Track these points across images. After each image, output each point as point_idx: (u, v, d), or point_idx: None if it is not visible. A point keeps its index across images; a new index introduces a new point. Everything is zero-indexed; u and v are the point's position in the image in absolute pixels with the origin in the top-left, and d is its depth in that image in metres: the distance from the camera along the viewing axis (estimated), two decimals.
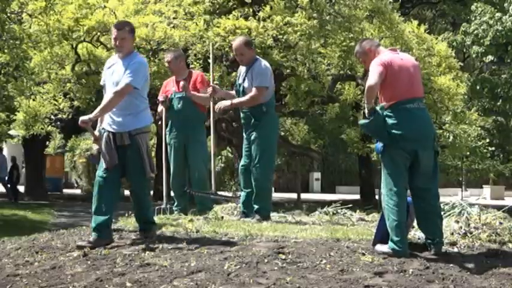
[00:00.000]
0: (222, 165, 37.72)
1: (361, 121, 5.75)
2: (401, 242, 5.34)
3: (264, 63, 7.41)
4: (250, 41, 7.71)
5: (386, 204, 5.45)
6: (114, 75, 5.95)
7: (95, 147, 6.26)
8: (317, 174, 43.65)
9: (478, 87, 29.21)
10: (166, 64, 8.41)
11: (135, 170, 5.93)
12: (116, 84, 5.86)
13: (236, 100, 7.45)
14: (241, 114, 7.57)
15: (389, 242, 5.36)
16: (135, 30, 6.30)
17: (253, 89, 7.25)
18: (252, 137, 7.37)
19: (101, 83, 6.28)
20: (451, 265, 5.05)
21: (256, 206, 7.37)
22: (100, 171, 5.97)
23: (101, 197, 5.94)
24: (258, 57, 7.53)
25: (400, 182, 5.48)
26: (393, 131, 5.46)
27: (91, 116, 5.78)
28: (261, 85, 7.24)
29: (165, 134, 8.27)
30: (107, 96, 5.87)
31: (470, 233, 6.03)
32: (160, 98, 8.24)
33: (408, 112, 5.51)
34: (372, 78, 5.46)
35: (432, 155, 5.63)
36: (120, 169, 5.94)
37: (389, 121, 5.49)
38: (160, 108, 8.39)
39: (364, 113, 5.75)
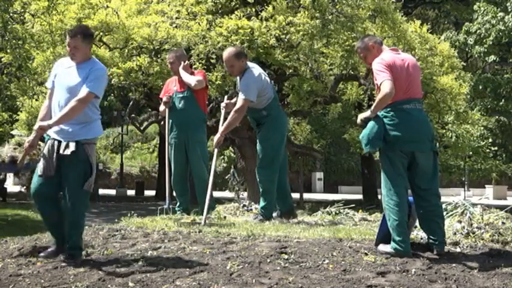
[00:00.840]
0: (225, 165, 37.78)
1: (364, 133, 5.61)
2: (403, 241, 5.34)
3: (253, 74, 7.30)
4: (240, 52, 7.51)
5: (387, 205, 5.45)
6: (68, 78, 5.51)
7: (10, 154, 6.01)
8: (319, 174, 43.71)
9: (480, 87, 29.22)
10: (169, 64, 8.41)
11: (75, 181, 5.39)
12: (70, 89, 5.45)
13: (223, 127, 7.39)
14: (250, 119, 7.65)
15: (392, 242, 5.36)
16: (91, 36, 5.62)
17: (238, 101, 7.26)
18: (257, 140, 7.44)
19: (48, 85, 5.72)
20: (454, 265, 5.05)
21: (259, 206, 7.38)
22: (35, 182, 5.57)
23: (43, 214, 5.64)
24: (249, 66, 7.43)
25: (399, 182, 5.47)
26: (390, 131, 5.47)
27: (50, 122, 5.34)
28: (245, 98, 7.19)
29: (168, 134, 8.28)
30: (70, 103, 5.37)
31: (473, 232, 6.03)
32: (164, 98, 8.25)
33: (405, 113, 5.51)
34: (387, 87, 5.41)
35: (431, 155, 5.61)
36: (56, 182, 5.43)
37: (386, 121, 5.50)
38: (162, 107, 8.40)
39: (362, 119, 5.67)
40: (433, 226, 5.50)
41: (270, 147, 7.39)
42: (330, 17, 17.04)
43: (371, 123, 5.55)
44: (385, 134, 5.47)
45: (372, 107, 5.54)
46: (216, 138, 7.44)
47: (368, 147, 5.55)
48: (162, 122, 8.55)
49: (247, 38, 15.97)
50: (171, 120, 8.23)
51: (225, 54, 7.50)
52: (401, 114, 5.49)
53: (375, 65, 5.60)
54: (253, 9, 17.00)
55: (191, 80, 7.94)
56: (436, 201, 5.56)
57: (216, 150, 7.52)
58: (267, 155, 7.36)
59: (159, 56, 16.73)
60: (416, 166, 5.53)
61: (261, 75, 7.35)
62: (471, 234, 6.01)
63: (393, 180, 5.47)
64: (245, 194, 7.67)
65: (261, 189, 7.41)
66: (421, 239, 5.90)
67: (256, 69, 7.41)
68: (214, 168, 7.49)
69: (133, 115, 25.81)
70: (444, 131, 21.98)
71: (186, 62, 8.25)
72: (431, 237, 5.51)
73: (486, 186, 41.22)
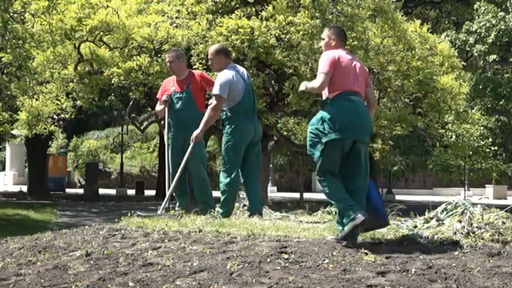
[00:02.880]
0: None
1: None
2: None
3: (226, 72, 7.48)
4: (223, 50, 7.76)
5: (325, 193, 5.86)
6: None
7: None
8: None
9: (480, 87, 29.23)
10: (168, 64, 8.40)
11: None
12: None
13: (202, 123, 7.63)
14: None
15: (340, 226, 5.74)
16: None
17: (213, 98, 7.50)
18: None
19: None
20: (454, 265, 5.05)
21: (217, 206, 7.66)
22: None
23: None
24: (230, 66, 7.61)
25: (335, 168, 5.82)
26: (333, 119, 5.74)
27: None
28: (214, 93, 7.44)
29: (166, 134, 8.28)
30: None
31: (473, 232, 6.02)
32: (164, 97, 8.24)
33: (352, 102, 5.83)
34: (320, 81, 5.84)
35: (365, 146, 5.97)
36: None
37: (332, 110, 5.78)
38: (158, 107, 8.39)
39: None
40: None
41: (227, 152, 7.55)
42: (330, 17, 17.04)
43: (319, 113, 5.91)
44: (331, 121, 5.74)
45: (306, 85, 6.04)
46: (194, 133, 7.70)
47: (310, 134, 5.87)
48: (162, 122, 8.54)
49: (248, 37, 15.98)
50: (169, 120, 8.23)
51: (210, 48, 7.88)
52: (348, 103, 5.82)
53: (323, 55, 5.94)
54: (254, 9, 17.01)
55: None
56: (364, 184, 5.97)
57: (191, 145, 7.75)
58: (225, 160, 7.58)
59: (159, 55, 16.74)
60: (354, 154, 5.86)
61: (234, 76, 7.47)
62: (471, 233, 6.00)
63: (330, 166, 5.81)
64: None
65: (220, 192, 7.61)
66: (421, 238, 5.90)
67: (232, 69, 7.56)
68: (184, 162, 7.77)
69: (133, 115, 25.80)
70: (444, 130, 21.97)
71: (184, 63, 8.30)
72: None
73: (486, 185, 41.18)
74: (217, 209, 7.68)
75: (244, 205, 8.66)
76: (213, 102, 7.46)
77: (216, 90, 7.42)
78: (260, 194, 8.06)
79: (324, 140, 5.76)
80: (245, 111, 7.58)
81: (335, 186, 5.83)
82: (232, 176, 7.54)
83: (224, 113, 7.55)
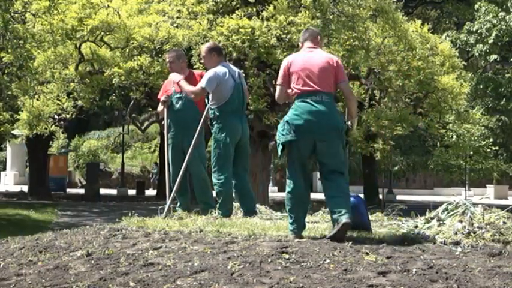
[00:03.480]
0: None
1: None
2: (293, 225, 5.99)
3: (218, 69, 7.62)
4: (215, 48, 7.95)
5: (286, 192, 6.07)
6: None
7: None
8: None
9: (481, 87, 29.22)
10: (168, 64, 8.42)
11: None
12: None
13: (183, 87, 7.93)
14: None
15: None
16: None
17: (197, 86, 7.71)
18: None
19: None
20: (455, 265, 5.05)
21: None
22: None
23: None
24: (222, 64, 7.74)
25: (297, 168, 6.03)
26: (289, 121, 5.92)
27: None
28: (200, 85, 7.62)
29: (167, 134, 8.29)
30: None
31: (474, 232, 6.02)
32: (163, 97, 8.26)
33: (306, 103, 5.94)
34: (276, 93, 6.29)
35: (336, 144, 6.02)
36: None
37: (289, 113, 6.02)
38: (160, 108, 8.40)
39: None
40: (337, 201, 5.92)
41: (216, 151, 7.67)
42: (330, 17, 17.04)
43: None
44: (287, 124, 5.93)
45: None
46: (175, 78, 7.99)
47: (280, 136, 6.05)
48: (162, 122, 8.53)
49: (248, 37, 15.97)
50: (169, 121, 8.23)
51: (204, 45, 8.17)
52: (303, 105, 5.96)
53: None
54: (254, 9, 17.00)
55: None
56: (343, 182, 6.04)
57: (191, 146, 7.80)
58: (215, 160, 7.67)
59: (160, 55, 16.74)
60: (319, 155, 6.03)
61: (225, 74, 7.60)
62: (472, 233, 6.00)
63: (292, 169, 6.05)
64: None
65: (215, 194, 7.71)
66: (422, 238, 5.91)
67: (224, 67, 7.69)
68: (186, 164, 7.79)
69: (134, 115, 25.80)
70: (445, 130, 21.96)
71: (184, 63, 8.31)
72: (334, 210, 5.88)
73: (487, 185, 41.15)
74: (217, 210, 7.70)
75: None
76: (195, 88, 7.66)
77: (202, 82, 7.58)
78: (252, 194, 8.12)
79: (281, 141, 6.00)
80: (233, 110, 7.67)
81: (294, 191, 6.08)
82: (225, 174, 7.63)
83: (212, 111, 7.64)
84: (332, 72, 6.11)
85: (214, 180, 7.65)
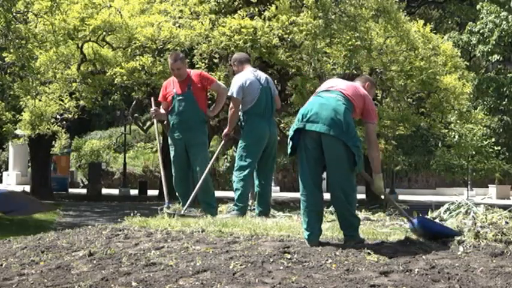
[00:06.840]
0: (228, 164, 37.76)
1: None
2: (306, 230, 5.74)
3: (241, 74, 7.80)
4: (235, 58, 8.12)
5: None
6: None
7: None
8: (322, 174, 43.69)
9: (483, 87, 29.19)
10: (175, 71, 8.13)
11: None
12: None
13: (228, 124, 7.92)
14: None
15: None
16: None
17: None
18: None
19: None
20: (457, 264, 5.04)
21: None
22: None
23: None
24: (245, 69, 7.87)
25: (305, 172, 6.15)
26: (301, 111, 5.86)
27: None
28: (229, 94, 7.82)
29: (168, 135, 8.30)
30: None
31: (476, 232, 6.01)
32: (152, 110, 8.42)
33: (317, 96, 5.91)
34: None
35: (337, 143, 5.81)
36: None
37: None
38: (161, 110, 8.33)
39: None
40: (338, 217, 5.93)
41: (242, 153, 7.73)
42: (333, 17, 17.05)
43: None
44: (300, 113, 5.84)
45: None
46: (225, 131, 8.02)
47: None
48: (164, 122, 8.48)
49: (250, 37, 15.99)
50: (171, 122, 8.20)
51: (235, 55, 8.41)
52: (314, 97, 5.96)
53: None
54: (256, 9, 17.01)
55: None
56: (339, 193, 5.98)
57: (222, 142, 8.06)
58: (240, 161, 7.73)
59: (162, 55, 16.76)
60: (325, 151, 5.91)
61: (248, 79, 7.73)
62: (474, 233, 5.99)
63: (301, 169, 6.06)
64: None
65: (234, 190, 7.77)
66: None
67: (248, 72, 7.83)
68: (212, 163, 7.91)
69: (136, 115, 25.85)
70: (447, 130, 21.97)
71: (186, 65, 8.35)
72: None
73: (489, 185, 41.14)
74: (232, 206, 7.82)
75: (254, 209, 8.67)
76: (231, 104, 7.78)
77: (230, 91, 7.78)
78: (269, 198, 8.19)
79: (290, 131, 5.95)
80: (260, 113, 7.77)
81: (304, 192, 6.12)
82: (246, 172, 7.71)
83: (241, 114, 7.78)
84: (362, 100, 5.87)
85: (234, 179, 7.74)
